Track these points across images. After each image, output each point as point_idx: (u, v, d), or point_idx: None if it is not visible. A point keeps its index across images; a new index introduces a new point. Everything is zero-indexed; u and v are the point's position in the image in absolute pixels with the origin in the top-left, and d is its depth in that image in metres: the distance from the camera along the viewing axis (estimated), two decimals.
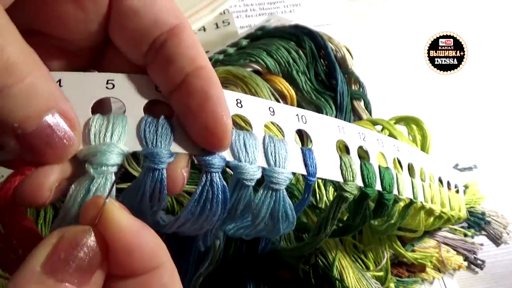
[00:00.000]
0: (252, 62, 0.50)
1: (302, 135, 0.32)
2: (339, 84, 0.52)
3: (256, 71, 0.49)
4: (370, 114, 0.53)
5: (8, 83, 0.15)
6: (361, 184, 0.30)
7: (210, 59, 0.53)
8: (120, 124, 0.20)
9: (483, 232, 0.51)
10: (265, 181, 0.24)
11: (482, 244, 0.50)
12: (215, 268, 0.36)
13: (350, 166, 0.29)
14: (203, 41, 0.60)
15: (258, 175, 0.24)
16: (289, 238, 0.37)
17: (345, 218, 0.39)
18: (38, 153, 0.17)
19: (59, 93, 0.18)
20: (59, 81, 0.20)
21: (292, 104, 0.49)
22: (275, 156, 0.24)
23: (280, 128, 0.27)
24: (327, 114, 0.50)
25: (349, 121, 0.50)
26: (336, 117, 0.50)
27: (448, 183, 0.45)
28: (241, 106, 0.25)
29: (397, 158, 0.35)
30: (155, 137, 0.21)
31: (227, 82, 0.46)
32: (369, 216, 0.33)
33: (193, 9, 0.61)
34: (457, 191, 0.48)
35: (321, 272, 0.37)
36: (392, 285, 0.42)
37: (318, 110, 0.50)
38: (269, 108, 0.26)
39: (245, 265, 0.37)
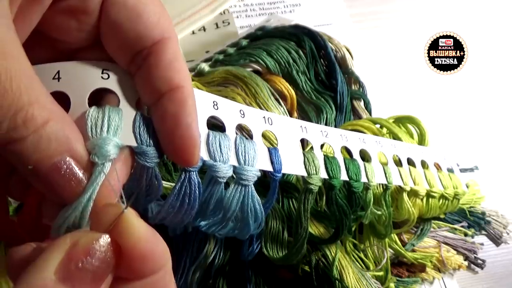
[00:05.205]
0: (252, 62, 0.50)
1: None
2: (339, 84, 0.52)
3: (256, 71, 0.49)
4: (370, 114, 0.53)
5: (24, 135, 0.17)
6: (326, 177, 0.33)
7: (210, 59, 0.53)
8: (116, 117, 0.21)
9: (483, 232, 0.51)
10: (236, 177, 0.27)
11: (482, 244, 0.50)
12: (216, 268, 0.36)
13: (313, 161, 0.32)
14: (203, 41, 0.60)
15: (230, 173, 0.26)
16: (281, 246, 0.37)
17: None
18: (49, 190, 0.19)
19: (73, 135, 0.19)
20: (58, 72, 0.21)
21: (292, 104, 0.49)
22: (245, 156, 0.27)
23: (249, 130, 0.29)
24: (327, 114, 0.50)
25: (349, 121, 0.50)
26: (336, 117, 0.50)
27: (439, 165, 0.47)
28: (217, 108, 0.27)
29: (364, 149, 0.38)
30: (148, 135, 0.22)
31: (227, 82, 0.46)
32: (346, 207, 0.35)
33: (193, 9, 0.61)
34: (451, 172, 0.48)
35: (321, 272, 0.37)
36: (392, 285, 0.42)
37: (318, 110, 0.50)
38: (240, 110, 0.29)
39: (245, 265, 0.37)
